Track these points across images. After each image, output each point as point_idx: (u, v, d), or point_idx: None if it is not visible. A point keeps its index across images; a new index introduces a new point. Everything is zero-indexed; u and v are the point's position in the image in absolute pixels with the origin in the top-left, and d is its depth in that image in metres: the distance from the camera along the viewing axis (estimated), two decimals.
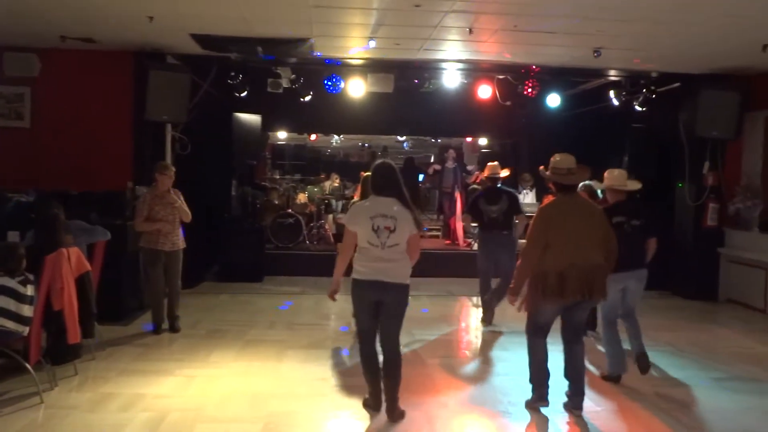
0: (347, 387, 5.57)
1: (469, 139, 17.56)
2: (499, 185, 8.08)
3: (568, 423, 5.01)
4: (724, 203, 9.73)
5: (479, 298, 8.27)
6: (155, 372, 5.90)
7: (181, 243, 7.35)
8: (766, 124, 9.60)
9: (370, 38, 7.83)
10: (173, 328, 7.32)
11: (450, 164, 13.39)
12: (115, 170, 8.52)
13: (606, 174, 6.09)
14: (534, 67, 9.56)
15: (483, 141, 16.92)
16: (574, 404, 5.11)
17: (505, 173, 8.37)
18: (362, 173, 7.25)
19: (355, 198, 7.40)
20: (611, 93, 10.26)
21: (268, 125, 12.80)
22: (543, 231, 4.95)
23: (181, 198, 7.32)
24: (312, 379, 5.87)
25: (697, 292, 9.82)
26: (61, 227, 5.77)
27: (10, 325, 5.03)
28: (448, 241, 12.92)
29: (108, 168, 8.53)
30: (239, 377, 5.87)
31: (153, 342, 6.96)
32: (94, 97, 8.68)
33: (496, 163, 8.34)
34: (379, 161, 5.14)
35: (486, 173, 8.21)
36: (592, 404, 5.32)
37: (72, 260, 5.59)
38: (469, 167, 15.12)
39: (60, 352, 5.61)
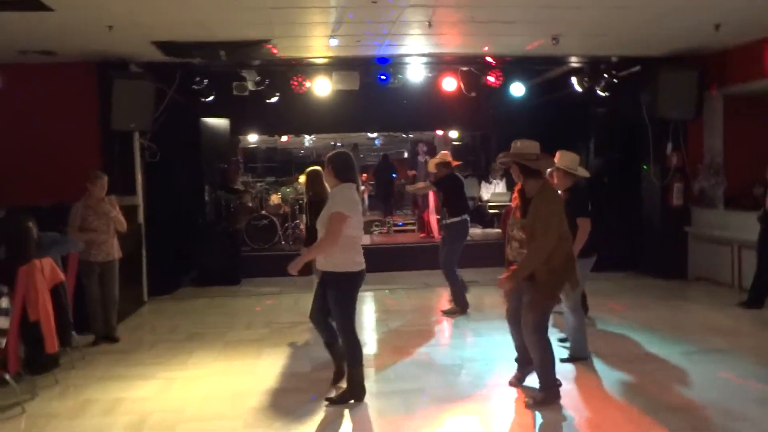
0: (325, 380, 5.63)
1: (440, 133, 17.74)
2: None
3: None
4: (688, 182, 9.97)
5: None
6: (135, 377, 5.96)
7: (117, 253, 7.21)
8: (725, 102, 9.84)
9: (331, 37, 7.90)
10: (111, 339, 7.15)
11: (421, 158, 13.53)
12: (85, 182, 8.50)
13: (558, 154, 5.91)
14: (495, 57, 9.70)
15: (454, 134, 17.09)
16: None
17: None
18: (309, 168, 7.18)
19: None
20: (573, 80, 10.44)
21: (237, 129, 12.84)
22: (561, 220, 4.86)
23: (117, 207, 7.20)
24: (291, 374, 5.96)
25: (666, 271, 10.03)
26: (33, 240, 5.78)
27: None
28: (423, 234, 13.03)
29: (77, 180, 8.41)
30: (219, 377, 5.94)
31: (132, 348, 6.98)
32: (59, 109, 8.65)
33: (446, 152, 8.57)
34: (337, 151, 5.25)
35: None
36: (564, 382, 5.47)
37: (46, 271, 5.62)
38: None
39: (39, 362, 5.65)
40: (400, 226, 14.49)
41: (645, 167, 10.32)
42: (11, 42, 7.59)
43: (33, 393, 5.46)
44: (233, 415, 5.00)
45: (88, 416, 5.05)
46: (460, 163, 8.61)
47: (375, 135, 19.36)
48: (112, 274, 7.19)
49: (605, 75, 10.01)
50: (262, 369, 6.15)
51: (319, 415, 4.98)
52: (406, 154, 22.55)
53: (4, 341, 5.14)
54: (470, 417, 4.94)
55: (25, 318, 5.36)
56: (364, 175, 17.76)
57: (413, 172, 13.97)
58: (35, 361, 5.65)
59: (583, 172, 6.07)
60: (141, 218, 9.23)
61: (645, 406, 4.98)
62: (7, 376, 5.16)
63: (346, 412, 5.02)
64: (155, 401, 5.35)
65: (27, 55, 8.07)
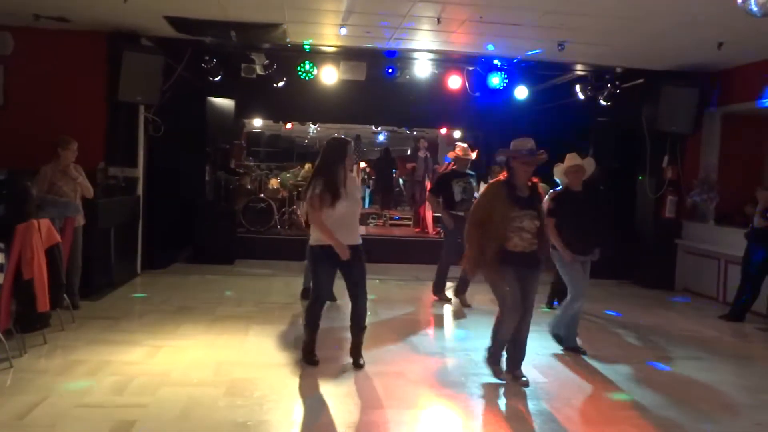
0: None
1: (443, 131, 17.83)
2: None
3: (515, 393, 5.27)
4: (682, 196, 10.10)
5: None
6: (123, 342, 6.07)
7: (81, 219, 7.23)
8: (723, 120, 9.97)
9: (341, 26, 8.01)
10: (74, 306, 7.00)
11: (421, 153, 13.64)
12: (88, 150, 8.51)
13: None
14: (501, 59, 9.83)
15: (457, 133, 17.18)
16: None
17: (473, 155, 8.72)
18: None
19: None
20: (577, 87, 10.56)
21: (243, 111, 12.92)
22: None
23: (83, 174, 7.30)
24: (276, 350, 6.09)
25: (654, 282, 10.16)
26: (32, 199, 5.90)
27: None
28: (417, 229, 13.16)
29: (80, 148, 8.57)
30: (205, 348, 6.07)
31: (122, 315, 7.11)
32: (68, 77, 8.75)
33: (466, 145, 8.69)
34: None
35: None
36: (540, 376, 5.62)
37: (42, 231, 5.72)
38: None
39: (29, 320, 5.71)
40: (396, 220, 14.63)
41: (641, 177, 10.45)
42: (26, 5, 7.68)
43: (22, 350, 5.57)
44: (216, 382, 5.13)
45: (75, 374, 5.17)
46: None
47: (379, 129, 19.43)
48: (76, 240, 7.15)
49: (609, 85, 10.15)
50: (248, 344, 6.28)
51: (298, 390, 5.11)
52: (409, 152, 22.63)
53: None
54: (445, 401, 5.06)
55: (19, 276, 5.47)
56: (366, 167, 17.89)
57: (413, 164, 14.10)
58: (25, 319, 5.73)
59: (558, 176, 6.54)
60: (140, 191, 9.32)
61: (618, 404, 5.14)
62: None
63: (326, 388, 5.14)
64: (141, 365, 5.47)
65: (40, 21, 8.16)
